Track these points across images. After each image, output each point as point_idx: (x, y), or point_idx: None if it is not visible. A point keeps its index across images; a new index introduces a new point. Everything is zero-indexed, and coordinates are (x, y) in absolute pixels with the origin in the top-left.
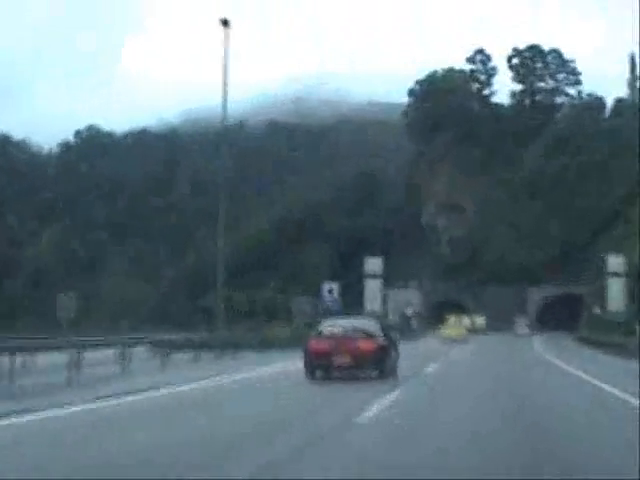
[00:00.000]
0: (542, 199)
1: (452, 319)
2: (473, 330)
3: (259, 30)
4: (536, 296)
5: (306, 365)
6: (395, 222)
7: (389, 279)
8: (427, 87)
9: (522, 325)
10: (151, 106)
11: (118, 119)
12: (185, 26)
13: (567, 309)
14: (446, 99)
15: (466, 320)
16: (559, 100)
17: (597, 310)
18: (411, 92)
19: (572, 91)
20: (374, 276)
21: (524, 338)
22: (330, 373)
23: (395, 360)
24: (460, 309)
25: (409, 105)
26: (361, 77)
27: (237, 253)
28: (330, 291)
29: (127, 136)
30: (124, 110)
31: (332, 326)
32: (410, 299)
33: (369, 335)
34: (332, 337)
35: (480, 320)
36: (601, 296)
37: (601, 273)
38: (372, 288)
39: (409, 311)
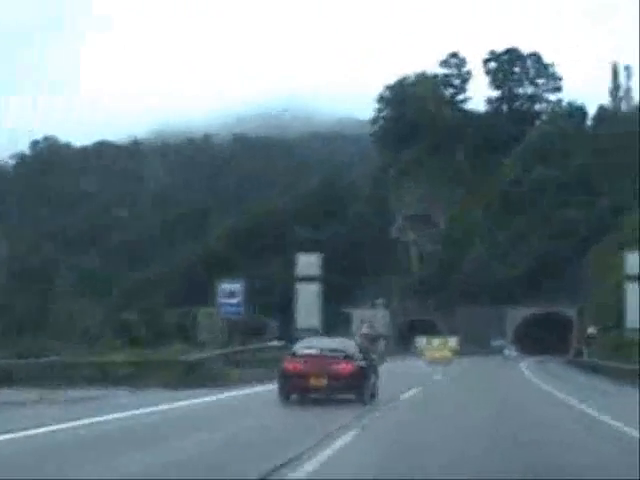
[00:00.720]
0: (520, 212)
1: (436, 341)
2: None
3: (233, 46)
4: (515, 316)
5: (280, 387)
6: (362, 236)
7: (355, 297)
8: (397, 93)
9: (510, 348)
10: (112, 119)
11: (76, 131)
12: (149, 39)
13: (550, 330)
14: (418, 106)
15: (452, 342)
16: (538, 107)
17: (592, 330)
18: (381, 98)
19: (552, 97)
20: (310, 279)
21: (509, 362)
22: (306, 396)
23: (374, 384)
24: (431, 330)
25: (378, 111)
26: (333, 94)
27: (196, 266)
28: (231, 294)
29: (86, 148)
30: (82, 123)
31: (308, 346)
32: (376, 318)
33: (347, 357)
34: (308, 358)
35: (452, 342)
36: (593, 314)
37: (588, 291)
38: (306, 296)
39: (364, 329)
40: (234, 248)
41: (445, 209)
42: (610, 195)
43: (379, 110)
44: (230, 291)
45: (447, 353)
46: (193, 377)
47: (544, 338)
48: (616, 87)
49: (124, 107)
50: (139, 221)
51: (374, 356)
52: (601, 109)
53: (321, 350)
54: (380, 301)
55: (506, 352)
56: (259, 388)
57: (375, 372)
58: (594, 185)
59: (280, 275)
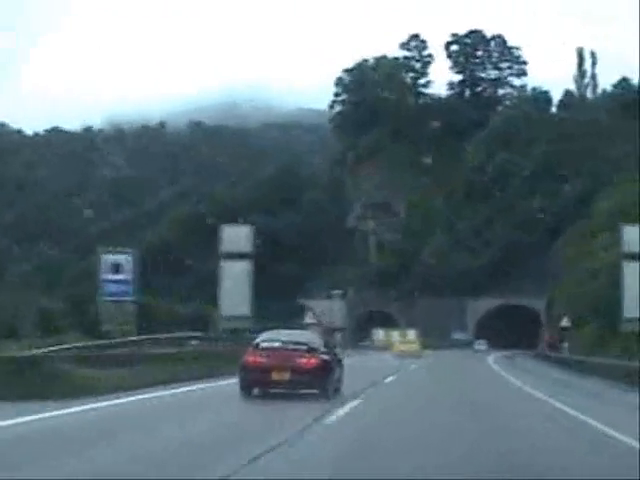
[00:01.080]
0: (484, 200)
1: (395, 333)
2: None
3: (190, 34)
4: (477, 308)
5: (241, 381)
6: (318, 225)
7: (310, 288)
8: (356, 77)
9: (481, 342)
10: (64, 106)
11: (27, 119)
12: (104, 26)
13: (515, 323)
14: (377, 90)
15: (411, 335)
16: (502, 92)
17: (566, 322)
18: (339, 82)
19: (517, 82)
20: (238, 256)
21: (477, 355)
22: (267, 390)
23: (339, 378)
24: (390, 322)
25: (336, 96)
26: (291, 83)
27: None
28: (116, 268)
29: (37, 135)
30: (34, 110)
31: (270, 339)
32: (332, 310)
33: (311, 350)
34: (270, 351)
35: (411, 335)
36: (565, 306)
37: (557, 281)
38: (234, 277)
39: (307, 319)
40: (188, 236)
41: (405, 197)
42: (576, 182)
43: (337, 95)
44: (114, 264)
45: (415, 347)
46: (19, 382)
47: (509, 331)
48: (582, 73)
49: (77, 94)
50: (93, 209)
51: (339, 349)
52: (567, 94)
53: (284, 343)
54: (337, 292)
55: (476, 346)
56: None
57: (340, 366)
58: (559, 172)
59: None
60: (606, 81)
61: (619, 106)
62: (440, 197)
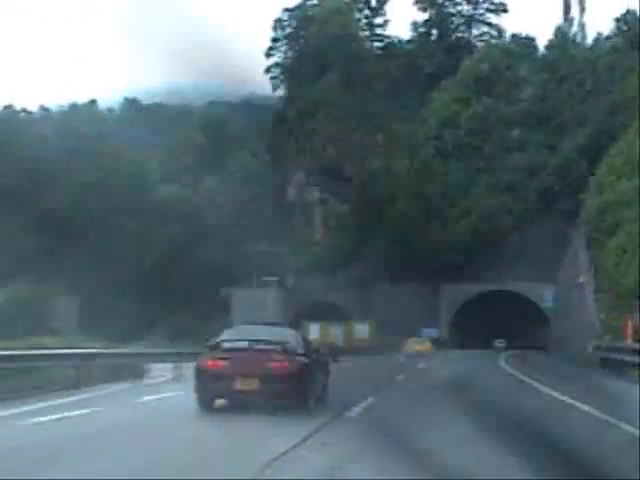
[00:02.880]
0: (457, 159)
1: (333, 329)
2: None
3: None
4: (454, 295)
5: (198, 392)
6: (249, 196)
7: (237, 275)
8: (298, 16)
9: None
10: None
11: None
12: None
13: (507, 313)
14: (323, 31)
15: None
16: (477, 32)
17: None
18: (277, 23)
19: (495, 20)
20: None
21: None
22: (231, 401)
23: (324, 386)
24: (339, 315)
25: (274, 41)
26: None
27: None
28: None
29: None
30: None
31: (235, 337)
32: (266, 301)
33: (286, 351)
34: (234, 353)
35: (361, 329)
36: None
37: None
38: None
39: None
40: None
41: (360, 160)
42: (577, 133)
43: (275, 40)
44: None
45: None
46: None
47: (498, 325)
48: (569, 22)
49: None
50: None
51: (324, 352)
52: (559, 33)
53: (252, 342)
54: (272, 279)
55: (497, 344)
56: None
57: (325, 371)
58: (555, 121)
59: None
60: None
61: (626, 43)
62: (404, 159)
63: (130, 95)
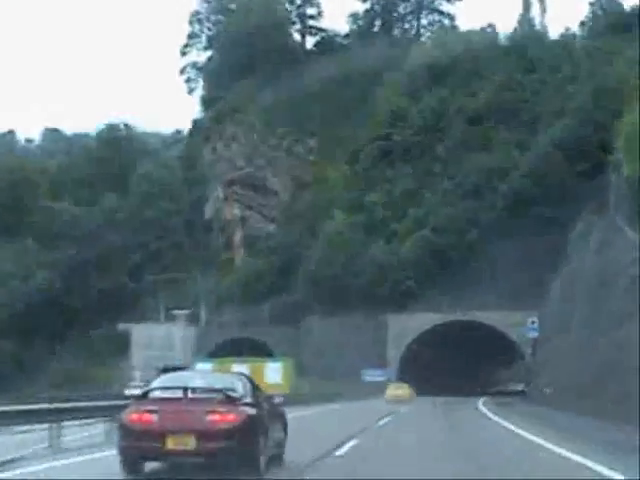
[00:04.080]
0: (405, 164)
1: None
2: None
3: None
4: (403, 328)
5: (122, 453)
6: (155, 214)
7: (141, 308)
8: (218, 8)
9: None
10: None
11: None
12: None
13: (469, 349)
14: (245, 24)
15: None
16: (426, 22)
17: None
18: (195, 17)
19: (447, 8)
20: None
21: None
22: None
23: (278, 442)
24: (261, 353)
25: (190, 38)
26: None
27: None
28: None
29: None
30: None
31: (167, 385)
32: (173, 339)
33: (230, 399)
34: (165, 404)
35: (274, 373)
36: None
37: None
38: None
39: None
40: None
41: (289, 169)
42: (553, 126)
43: (192, 36)
44: None
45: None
46: None
47: (459, 365)
48: (528, 21)
49: None
50: None
51: (279, 398)
52: (525, 20)
53: (187, 390)
54: (181, 312)
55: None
56: None
57: (280, 422)
58: (525, 114)
59: None
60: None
61: (605, 26)
62: (341, 165)
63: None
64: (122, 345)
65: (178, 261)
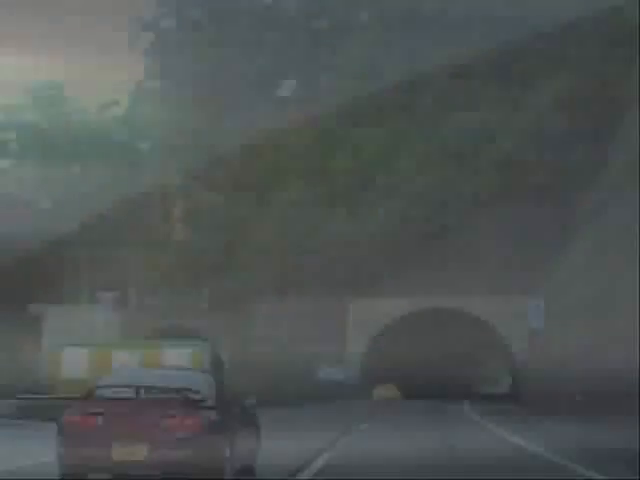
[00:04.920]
0: (375, 125)
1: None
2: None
3: None
4: (368, 315)
5: (61, 463)
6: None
7: (62, 289)
8: None
9: None
10: None
11: None
12: None
13: (452, 342)
14: None
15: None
16: None
17: None
18: None
19: None
20: None
21: None
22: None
23: (249, 450)
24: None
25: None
26: None
27: None
28: None
29: None
30: None
31: (117, 382)
32: (95, 323)
33: (190, 401)
34: (113, 405)
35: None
36: None
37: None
38: None
39: None
40: None
41: (243, 133)
42: (551, 81)
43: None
44: None
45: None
46: None
47: (441, 360)
48: None
49: None
50: None
51: (251, 400)
52: None
53: (141, 389)
54: (107, 295)
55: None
56: None
57: (250, 427)
58: (518, 67)
59: None
60: None
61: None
62: (300, 124)
63: None
64: (35, 330)
65: (107, 237)
